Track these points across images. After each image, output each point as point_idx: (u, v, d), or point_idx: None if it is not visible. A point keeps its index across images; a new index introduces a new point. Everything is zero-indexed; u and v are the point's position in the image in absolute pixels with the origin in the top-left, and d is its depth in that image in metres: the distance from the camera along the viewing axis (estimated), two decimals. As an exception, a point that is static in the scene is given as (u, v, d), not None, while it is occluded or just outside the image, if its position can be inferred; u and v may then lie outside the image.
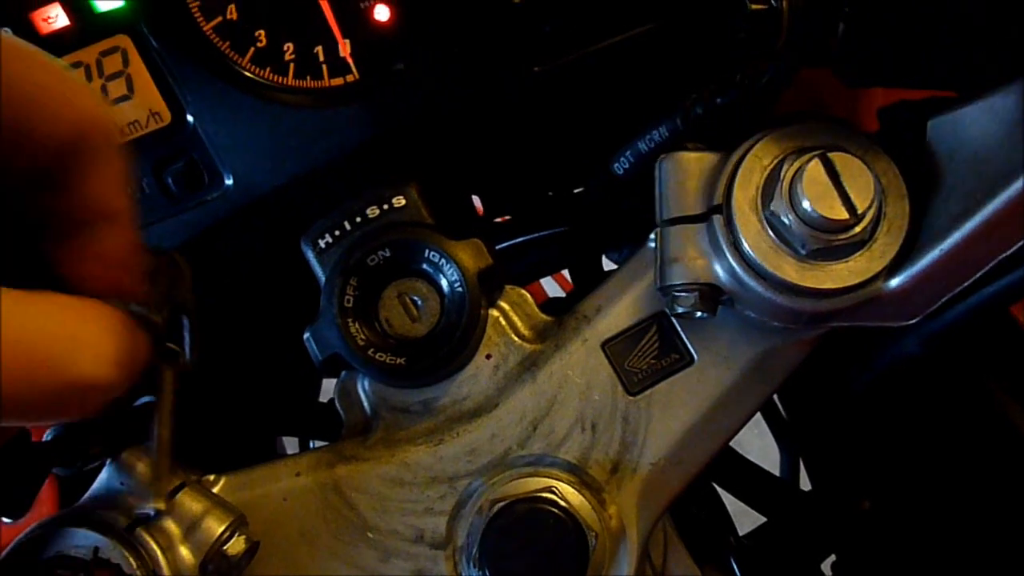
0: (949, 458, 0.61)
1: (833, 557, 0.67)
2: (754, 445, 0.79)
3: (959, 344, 0.57)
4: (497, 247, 0.69)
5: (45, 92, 0.30)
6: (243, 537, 0.45)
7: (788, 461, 0.73)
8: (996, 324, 0.59)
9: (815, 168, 0.40)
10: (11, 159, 0.30)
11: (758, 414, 0.72)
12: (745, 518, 0.69)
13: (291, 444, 0.87)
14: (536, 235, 0.63)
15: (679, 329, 0.48)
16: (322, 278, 0.50)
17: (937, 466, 0.61)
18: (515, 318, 0.51)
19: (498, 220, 0.76)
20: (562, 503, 0.46)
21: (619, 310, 0.49)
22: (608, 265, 0.61)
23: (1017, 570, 0.58)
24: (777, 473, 0.70)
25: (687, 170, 0.46)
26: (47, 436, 0.42)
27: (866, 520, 0.62)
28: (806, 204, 0.40)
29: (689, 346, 0.48)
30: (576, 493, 0.47)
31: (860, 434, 0.61)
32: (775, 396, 0.72)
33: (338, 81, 0.55)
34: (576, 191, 0.66)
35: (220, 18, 0.54)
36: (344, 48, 0.54)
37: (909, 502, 0.62)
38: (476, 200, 0.75)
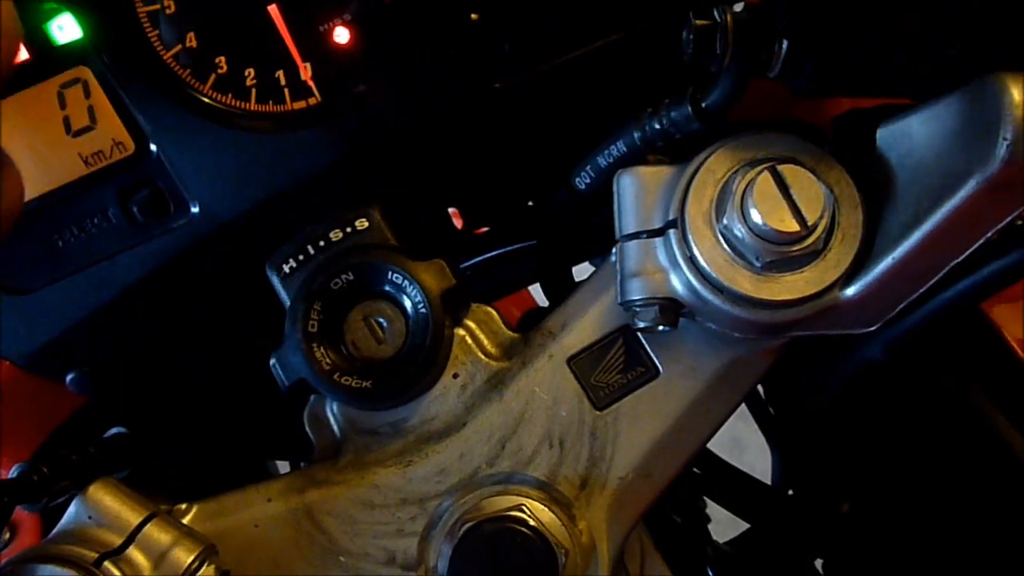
0: (927, 458, 0.61)
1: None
2: (752, 440, 0.79)
3: (931, 345, 0.57)
4: (474, 260, 0.70)
5: None
6: (213, 567, 0.45)
7: (779, 462, 0.73)
8: (969, 324, 0.59)
9: (765, 181, 0.40)
10: None
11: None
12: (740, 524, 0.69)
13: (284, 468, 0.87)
14: (506, 249, 0.63)
15: (644, 342, 0.49)
16: (287, 303, 0.50)
17: (916, 467, 0.61)
18: (481, 336, 0.51)
19: (477, 232, 0.76)
20: (531, 521, 0.46)
21: (584, 325, 0.49)
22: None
23: (996, 565, 0.58)
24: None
25: (644, 185, 0.46)
26: (12, 473, 0.42)
27: (846, 522, 0.63)
28: (757, 217, 0.40)
29: (654, 359, 0.48)
30: (546, 510, 0.47)
31: (836, 437, 0.61)
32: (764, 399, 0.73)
33: (301, 104, 0.55)
34: (543, 205, 0.66)
35: (180, 46, 0.54)
36: (305, 72, 0.54)
37: (889, 503, 0.62)
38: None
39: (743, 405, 0.71)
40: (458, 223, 0.78)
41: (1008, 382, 0.57)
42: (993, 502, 0.57)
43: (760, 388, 0.72)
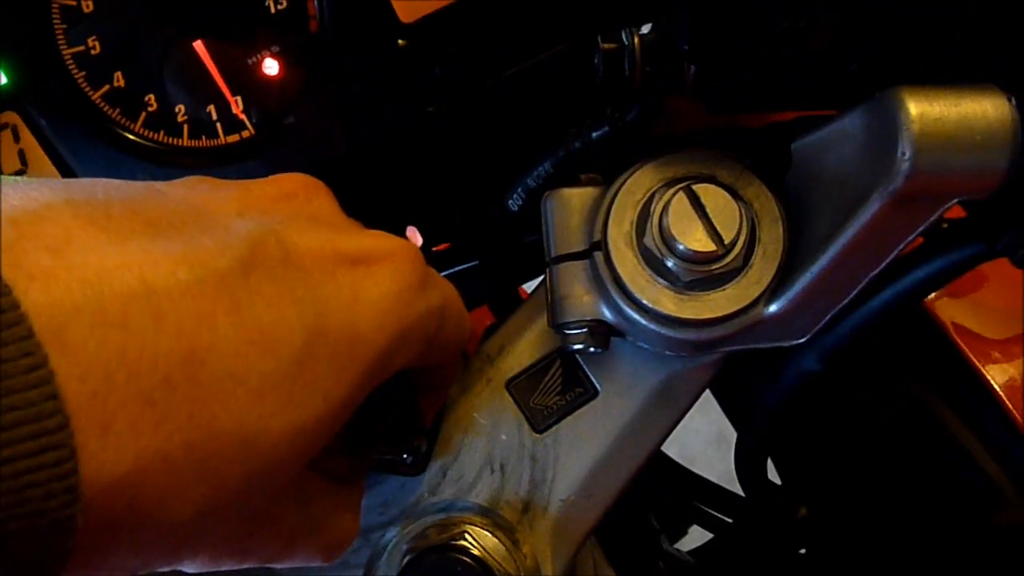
0: (880, 460, 0.61)
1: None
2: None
3: (876, 348, 0.57)
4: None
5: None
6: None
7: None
8: (915, 324, 0.59)
9: (680, 202, 0.40)
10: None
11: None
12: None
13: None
14: (453, 270, 0.63)
15: (581, 363, 0.49)
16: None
17: (870, 469, 0.61)
18: (421, 363, 0.51)
19: (436, 248, 0.76)
20: (474, 549, 0.46)
21: (521, 348, 0.49)
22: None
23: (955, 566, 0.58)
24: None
25: (569, 207, 0.46)
26: None
27: (804, 527, 0.63)
28: (674, 238, 0.40)
29: (592, 379, 0.48)
30: (489, 536, 0.47)
31: (789, 444, 0.61)
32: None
33: (234, 138, 0.55)
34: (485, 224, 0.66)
35: (108, 86, 0.54)
36: (236, 106, 0.54)
37: (846, 507, 0.63)
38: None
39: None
40: (418, 240, 0.78)
41: (955, 379, 0.58)
42: (945, 499, 0.58)
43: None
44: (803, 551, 0.64)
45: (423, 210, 0.71)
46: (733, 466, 0.76)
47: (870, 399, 0.59)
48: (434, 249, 0.76)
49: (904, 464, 0.60)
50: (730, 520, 0.68)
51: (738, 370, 0.51)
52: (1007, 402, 0.57)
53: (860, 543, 0.61)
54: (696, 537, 0.74)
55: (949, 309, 0.60)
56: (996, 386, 0.57)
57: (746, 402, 0.64)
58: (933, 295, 0.60)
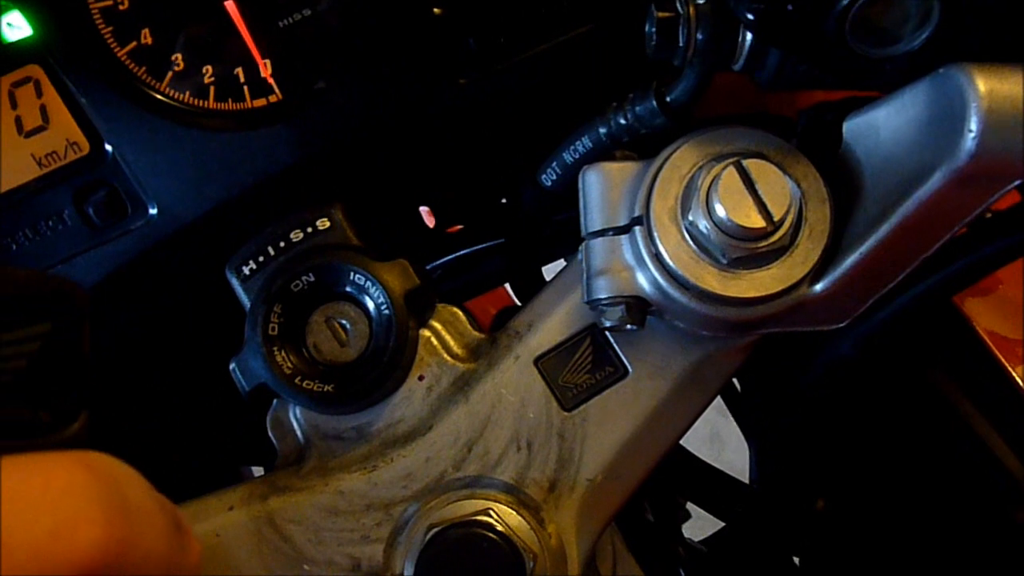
0: (902, 453, 0.60)
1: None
2: (732, 436, 0.79)
3: (903, 340, 0.56)
4: (443, 259, 0.69)
5: None
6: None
7: (755, 457, 0.72)
8: (940, 317, 0.58)
9: (730, 176, 0.39)
10: None
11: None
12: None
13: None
14: (475, 248, 0.62)
15: (612, 342, 0.48)
16: (247, 306, 0.49)
17: (890, 462, 0.61)
18: (447, 337, 0.50)
19: (451, 230, 0.75)
20: (499, 526, 0.45)
21: (551, 325, 0.48)
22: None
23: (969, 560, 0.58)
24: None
25: (610, 181, 0.45)
26: None
27: (822, 519, 0.62)
28: (722, 213, 0.39)
29: (623, 358, 0.48)
30: (514, 514, 0.46)
31: (810, 433, 0.60)
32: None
33: (261, 102, 0.53)
34: (512, 202, 0.65)
35: (135, 43, 0.53)
36: (265, 69, 0.53)
37: (864, 499, 0.62)
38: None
39: (720, 400, 0.71)
40: (431, 221, 0.77)
41: (980, 376, 0.57)
42: (966, 496, 0.57)
43: (736, 382, 0.72)
44: (818, 543, 0.63)
45: (436, 191, 0.70)
46: (728, 465, 0.75)
47: (894, 392, 0.58)
48: (447, 231, 0.76)
49: (926, 461, 0.59)
50: (742, 510, 0.67)
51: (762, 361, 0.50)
52: (1032, 400, 0.56)
53: (878, 537, 0.60)
54: (693, 529, 0.74)
55: (975, 306, 0.60)
56: (1021, 384, 0.57)
57: (765, 394, 0.63)
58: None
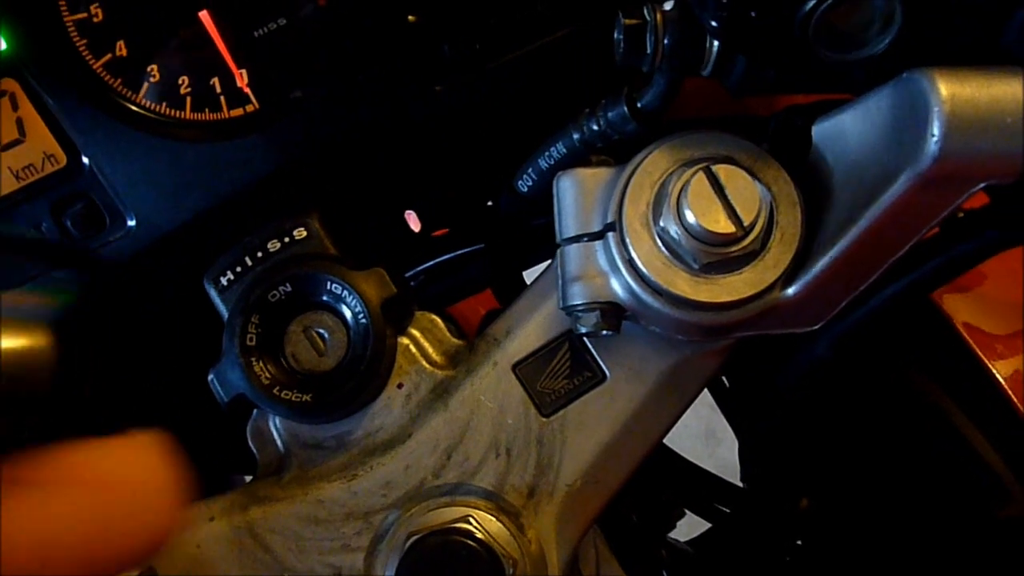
0: (884, 452, 0.61)
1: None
2: (727, 434, 0.79)
3: (881, 339, 0.56)
4: (425, 265, 0.69)
5: None
6: (152, 590, 0.44)
7: (741, 458, 0.72)
8: (919, 314, 0.59)
9: (699, 182, 0.39)
10: None
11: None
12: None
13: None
14: (456, 253, 0.62)
15: (590, 347, 0.48)
16: (226, 317, 0.49)
17: (873, 461, 0.61)
18: (426, 344, 0.50)
19: (436, 234, 0.75)
20: (478, 533, 0.45)
21: (529, 331, 0.49)
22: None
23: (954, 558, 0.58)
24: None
25: (583, 187, 0.45)
26: None
27: (806, 519, 0.62)
28: (692, 219, 0.40)
29: (600, 363, 0.48)
30: (493, 520, 0.46)
31: (792, 434, 0.60)
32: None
33: (237, 112, 0.53)
34: (492, 207, 0.65)
35: (110, 55, 0.53)
36: (241, 79, 0.53)
37: (848, 498, 0.62)
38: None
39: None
40: (416, 226, 0.78)
41: (960, 373, 0.57)
42: (949, 494, 0.57)
43: (725, 380, 0.72)
44: (803, 542, 0.63)
45: (419, 196, 0.70)
46: (722, 461, 0.76)
47: (874, 391, 0.58)
48: (433, 235, 0.76)
49: (908, 459, 0.59)
50: (727, 510, 0.68)
51: (741, 362, 0.50)
52: (1012, 396, 0.56)
53: (862, 535, 0.60)
54: (684, 529, 0.74)
55: (954, 303, 0.60)
56: (1001, 380, 0.57)
57: (746, 395, 0.64)
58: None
